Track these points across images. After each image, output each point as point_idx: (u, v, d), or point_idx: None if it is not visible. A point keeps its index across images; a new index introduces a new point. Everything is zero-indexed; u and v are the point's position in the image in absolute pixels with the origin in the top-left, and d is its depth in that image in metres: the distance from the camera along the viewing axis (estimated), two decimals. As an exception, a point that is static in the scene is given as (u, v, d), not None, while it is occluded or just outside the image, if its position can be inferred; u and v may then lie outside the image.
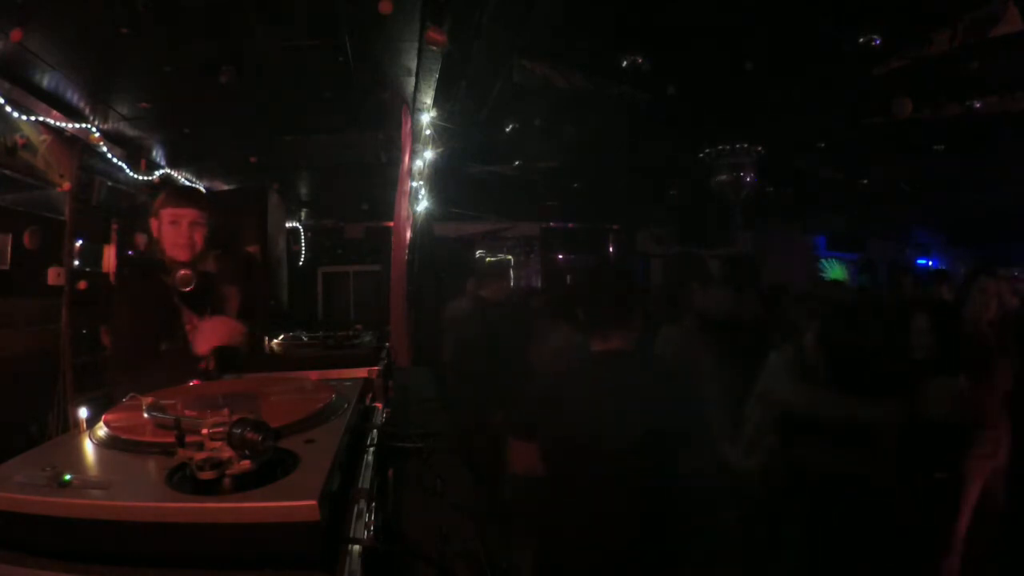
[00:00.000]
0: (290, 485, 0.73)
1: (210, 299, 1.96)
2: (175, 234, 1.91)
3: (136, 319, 1.83)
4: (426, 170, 4.61)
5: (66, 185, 3.21)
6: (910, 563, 2.02)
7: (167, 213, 1.92)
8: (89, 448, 0.89)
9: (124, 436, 0.89)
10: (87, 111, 3.28)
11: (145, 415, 0.94)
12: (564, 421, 1.70)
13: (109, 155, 3.60)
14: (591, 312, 1.83)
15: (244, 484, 0.72)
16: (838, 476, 2.04)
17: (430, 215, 6.13)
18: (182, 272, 1.86)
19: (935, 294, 3.98)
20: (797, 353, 2.37)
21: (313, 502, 0.67)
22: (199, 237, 1.93)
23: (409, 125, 3.55)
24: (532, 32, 3.07)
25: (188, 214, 1.94)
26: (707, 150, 5.03)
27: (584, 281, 2.44)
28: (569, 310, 2.56)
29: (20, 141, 2.81)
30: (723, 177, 5.07)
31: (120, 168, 3.75)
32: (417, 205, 5.18)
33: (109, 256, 3.71)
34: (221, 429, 0.74)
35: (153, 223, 1.94)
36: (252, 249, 4.05)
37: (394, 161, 4.14)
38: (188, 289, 1.85)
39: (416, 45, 2.62)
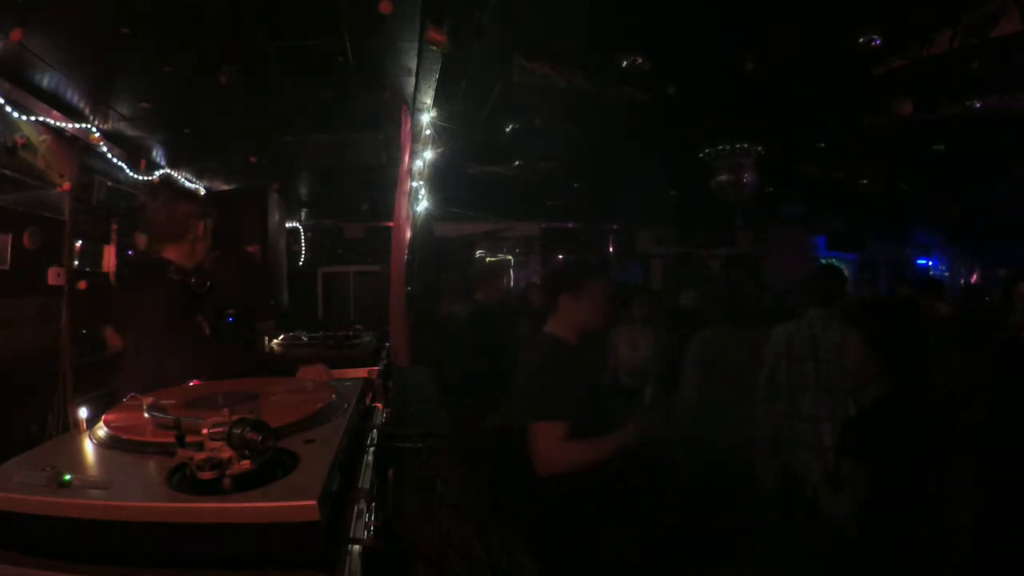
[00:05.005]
0: (290, 485, 0.73)
1: (215, 297, 2.02)
2: (207, 236, 2.05)
3: (155, 318, 1.84)
4: (426, 170, 4.60)
5: (66, 185, 3.21)
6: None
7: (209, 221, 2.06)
8: (89, 448, 0.89)
9: (124, 436, 0.89)
10: (87, 111, 3.27)
11: (145, 415, 0.95)
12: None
13: (109, 155, 3.60)
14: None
15: (244, 484, 0.72)
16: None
17: (430, 215, 6.13)
18: (198, 272, 1.93)
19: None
20: None
21: (313, 502, 0.67)
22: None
23: (409, 125, 3.55)
24: (532, 32, 3.07)
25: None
26: (707, 150, 5.02)
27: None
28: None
29: (20, 141, 2.80)
30: (723, 177, 5.05)
31: (120, 168, 3.75)
32: (417, 205, 5.17)
33: (109, 256, 3.70)
34: (221, 429, 0.74)
35: (200, 227, 2.04)
36: (252, 249, 4.05)
37: (394, 161, 4.13)
38: (204, 287, 1.90)
39: (416, 45, 2.62)
